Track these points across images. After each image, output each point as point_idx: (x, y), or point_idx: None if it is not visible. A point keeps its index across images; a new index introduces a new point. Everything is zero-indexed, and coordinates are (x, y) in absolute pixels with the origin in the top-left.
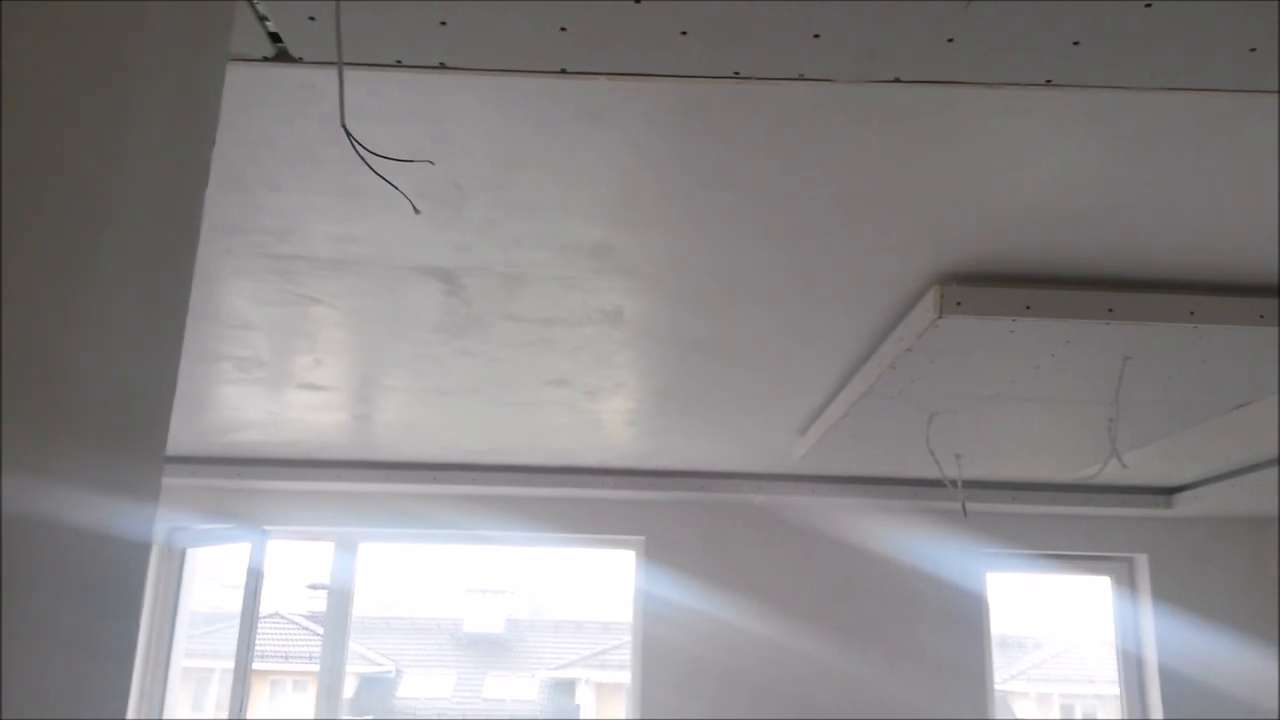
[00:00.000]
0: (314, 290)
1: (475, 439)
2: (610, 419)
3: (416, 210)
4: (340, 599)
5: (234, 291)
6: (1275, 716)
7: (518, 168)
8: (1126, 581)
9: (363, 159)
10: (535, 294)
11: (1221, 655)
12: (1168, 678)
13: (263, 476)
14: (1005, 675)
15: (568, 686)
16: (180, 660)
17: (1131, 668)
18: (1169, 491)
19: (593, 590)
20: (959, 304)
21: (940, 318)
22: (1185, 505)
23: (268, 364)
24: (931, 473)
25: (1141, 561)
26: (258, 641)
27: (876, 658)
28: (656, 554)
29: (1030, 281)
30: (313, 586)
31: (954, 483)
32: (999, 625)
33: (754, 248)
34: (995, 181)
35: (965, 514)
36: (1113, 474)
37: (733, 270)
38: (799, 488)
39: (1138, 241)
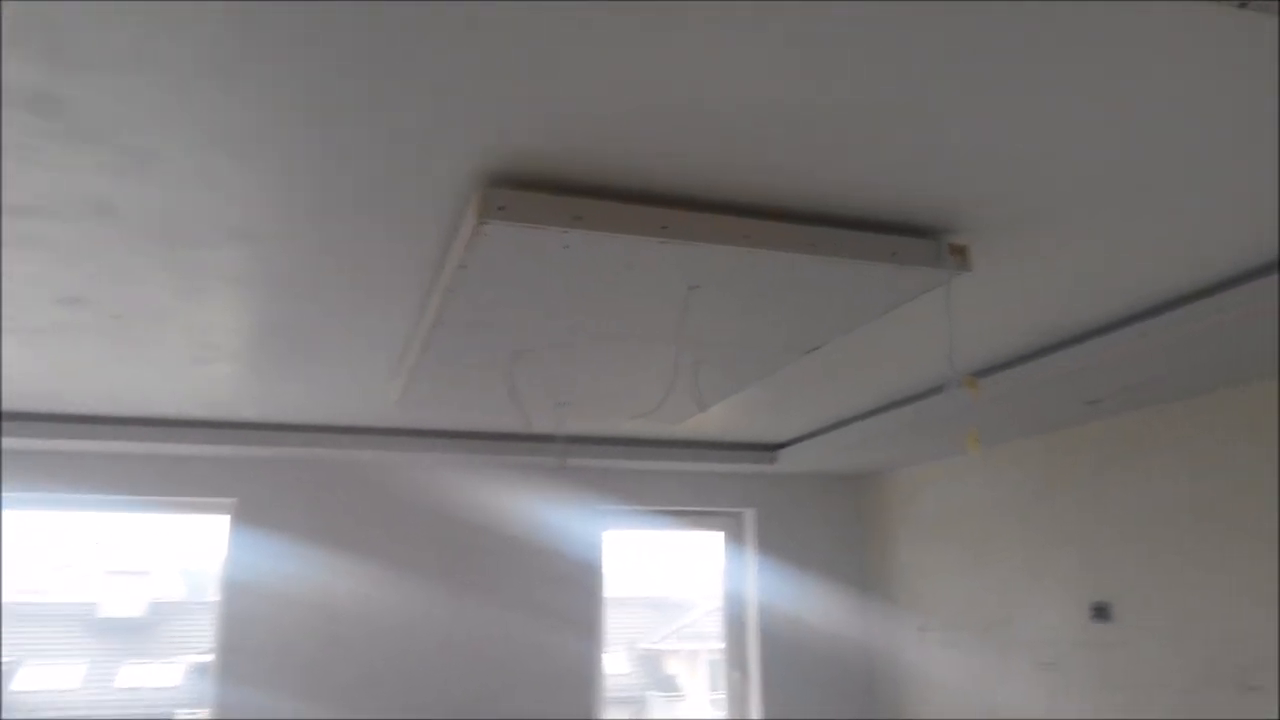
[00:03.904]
0: None
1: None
2: (163, 355)
3: None
4: None
5: None
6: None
7: None
8: (736, 535)
9: None
10: None
11: (814, 600)
12: (766, 622)
13: None
14: (660, 634)
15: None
16: None
17: (736, 616)
18: (773, 448)
19: None
20: (502, 208)
21: (482, 224)
22: (786, 461)
23: None
24: (544, 428)
25: (749, 516)
26: None
27: (492, 617)
28: (251, 517)
29: (585, 191)
30: None
31: (537, 435)
32: (651, 586)
33: (266, 115)
34: (554, 77)
35: (564, 466)
36: (722, 431)
37: (255, 150)
38: (408, 443)
39: (699, 159)
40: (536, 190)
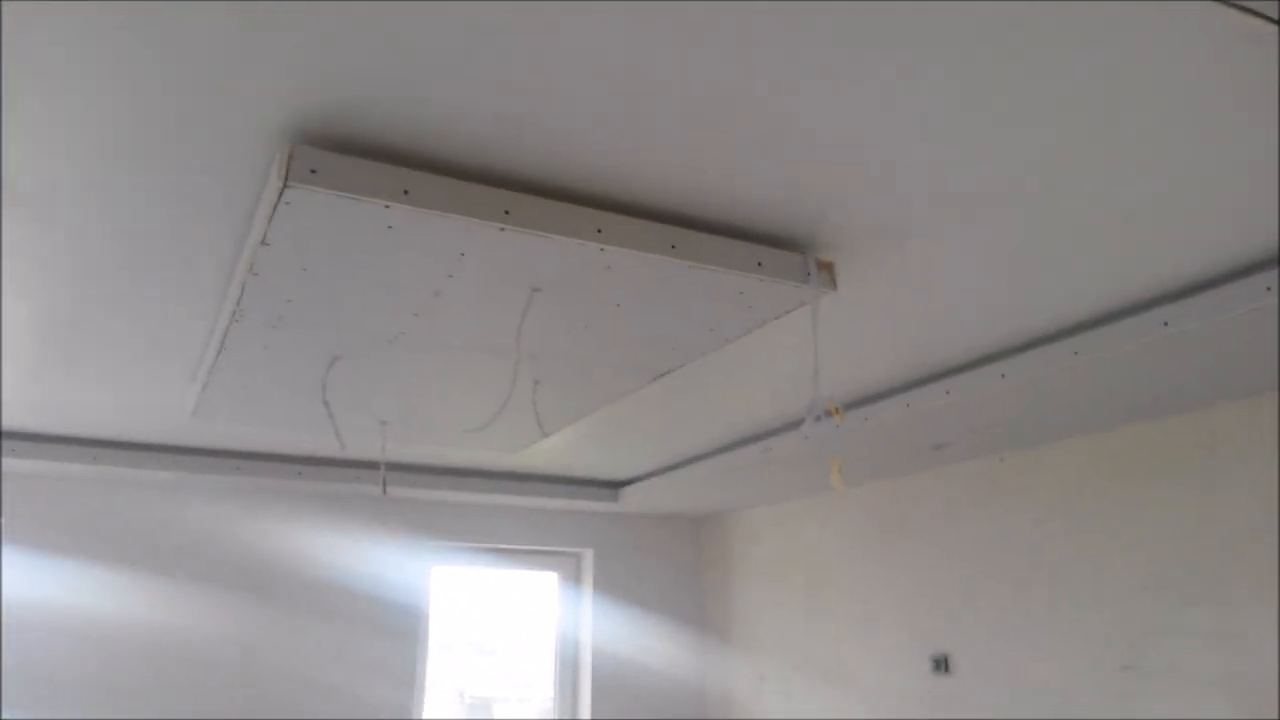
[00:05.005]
0: None
1: None
2: None
3: None
4: None
5: None
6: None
7: None
8: (573, 576)
9: None
10: None
11: (651, 640)
12: (599, 667)
13: None
14: (482, 680)
15: None
16: None
17: (569, 657)
18: (615, 486)
19: None
20: (314, 171)
21: (287, 186)
22: (629, 500)
23: None
24: (366, 453)
25: (587, 556)
26: None
27: (297, 663)
28: (20, 539)
29: (418, 164)
30: None
31: (358, 461)
32: (476, 629)
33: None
34: (384, 14)
35: (385, 492)
36: (562, 465)
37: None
38: (205, 464)
39: (549, 141)
40: (359, 156)
